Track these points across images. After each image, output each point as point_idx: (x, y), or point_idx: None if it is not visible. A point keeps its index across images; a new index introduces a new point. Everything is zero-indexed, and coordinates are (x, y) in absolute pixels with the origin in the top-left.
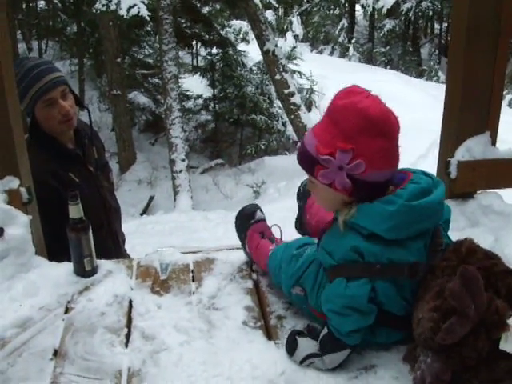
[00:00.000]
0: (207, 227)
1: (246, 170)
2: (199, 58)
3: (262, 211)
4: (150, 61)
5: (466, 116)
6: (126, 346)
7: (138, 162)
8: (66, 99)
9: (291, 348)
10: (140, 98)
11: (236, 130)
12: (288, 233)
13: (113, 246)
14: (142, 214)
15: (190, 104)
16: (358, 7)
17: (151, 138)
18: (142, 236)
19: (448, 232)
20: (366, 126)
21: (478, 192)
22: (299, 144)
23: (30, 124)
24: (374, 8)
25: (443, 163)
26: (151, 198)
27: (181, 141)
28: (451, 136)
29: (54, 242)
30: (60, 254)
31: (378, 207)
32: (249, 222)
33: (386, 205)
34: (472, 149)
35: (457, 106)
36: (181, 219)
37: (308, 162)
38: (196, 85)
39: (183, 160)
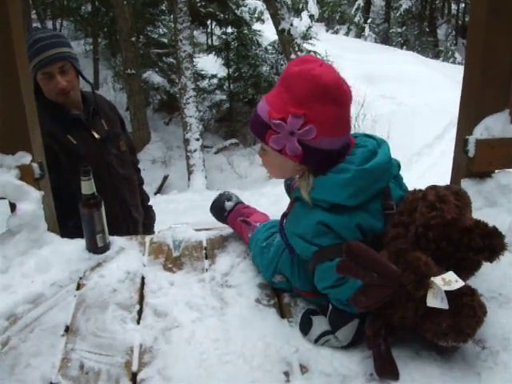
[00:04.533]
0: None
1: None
2: (214, 38)
3: (228, 198)
4: (165, 40)
5: (485, 94)
6: (138, 322)
7: (153, 142)
8: (66, 74)
9: (306, 327)
10: (154, 77)
11: (251, 109)
12: None
13: (120, 213)
14: (156, 194)
15: (204, 83)
16: None
17: (165, 118)
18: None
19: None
20: (318, 92)
21: (496, 171)
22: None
23: (34, 87)
24: None
25: (461, 141)
26: (165, 178)
27: (195, 120)
28: (469, 114)
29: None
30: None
31: (333, 178)
32: (223, 215)
33: (340, 174)
34: (491, 127)
35: (476, 83)
36: (195, 198)
37: (260, 127)
38: (211, 64)
39: (197, 139)
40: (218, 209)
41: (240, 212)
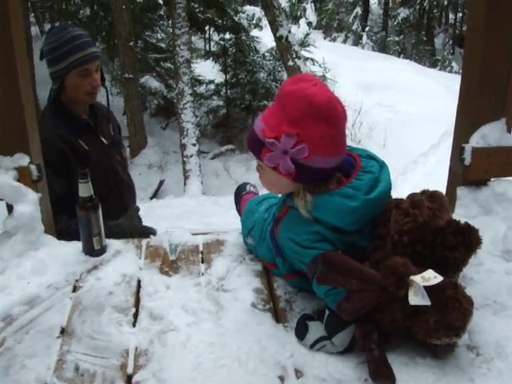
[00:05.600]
0: (217, 212)
1: None
2: (212, 43)
3: (252, 185)
4: (163, 45)
5: (481, 102)
6: (134, 325)
7: (149, 146)
8: (97, 74)
9: (302, 332)
10: (152, 82)
11: (247, 115)
12: None
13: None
14: (151, 198)
15: (201, 89)
16: None
17: (162, 123)
18: (152, 220)
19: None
20: (311, 111)
21: (491, 179)
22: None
23: (54, 89)
24: None
25: (457, 149)
26: (161, 183)
27: (192, 125)
28: (466, 122)
29: (59, 205)
30: (60, 213)
31: (340, 203)
32: (241, 194)
33: (347, 200)
34: (487, 135)
35: (473, 92)
36: (191, 204)
37: (256, 144)
38: (208, 70)
39: (194, 145)
40: (241, 187)
41: (253, 196)
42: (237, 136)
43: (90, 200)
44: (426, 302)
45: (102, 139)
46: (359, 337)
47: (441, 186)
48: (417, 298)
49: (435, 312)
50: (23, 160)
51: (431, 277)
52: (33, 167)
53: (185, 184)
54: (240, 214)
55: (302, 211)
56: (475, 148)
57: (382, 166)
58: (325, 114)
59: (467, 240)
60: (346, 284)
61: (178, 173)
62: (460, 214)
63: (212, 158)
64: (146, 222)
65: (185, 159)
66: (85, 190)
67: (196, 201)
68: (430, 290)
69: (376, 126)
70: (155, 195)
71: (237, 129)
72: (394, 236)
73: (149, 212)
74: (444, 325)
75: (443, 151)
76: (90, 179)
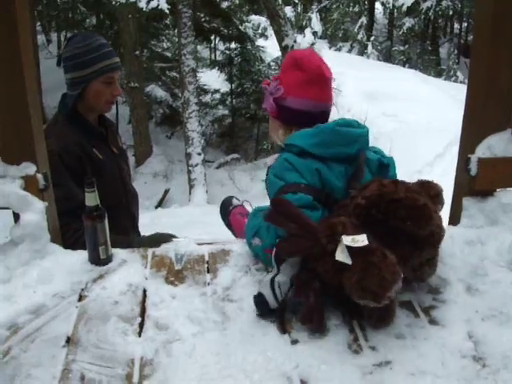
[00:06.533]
0: (220, 222)
1: (261, 165)
2: (217, 53)
3: (237, 199)
4: (168, 54)
5: (487, 113)
6: (139, 335)
7: (154, 155)
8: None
9: (260, 300)
10: (157, 91)
11: (252, 125)
12: None
13: (130, 228)
14: (156, 207)
15: (207, 98)
16: (377, 5)
17: (167, 132)
18: (157, 229)
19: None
20: (290, 63)
21: (498, 190)
22: None
23: (73, 96)
24: (394, 6)
25: (463, 160)
26: (166, 192)
27: (197, 135)
28: (472, 133)
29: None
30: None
31: (305, 130)
32: (228, 209)
33: (312, 128)
34: (493, 146)
35: (479, 102)
36: (196, 213)
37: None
38: (214, 79)
39: (199, 154)
40: (227, 203)
41: (241, 210)
42: (242, 145)
43: (96, 209)
44: (348, 261)
45: (113, 149)
46: (296, 282)
47: (446, 196)
48: (342, 255)
49: (358, 271)
50: (30, 169)
51: (360, 240)
52: (39, 176)
53: (190, 193)
54: (232, 230)
55: (277, 141)
56: (481, 159)
57: (363, 126)
58: (299, 63)
59: (414, 215)
60: (287, 227)
61: (183, 182)
62: (466, 225)
63: (217, 168)
64: (151, 231)
65: (190, 168)
66: (91, 199)
67: (201, 210)
68: (358, 252)
69: (381, 135)
70: (160, 204)
71: (242, 138)
72: (358, 198)
73: (154, 221)
74: (361, 286)
75: (448, 161)
76: (96, 188)
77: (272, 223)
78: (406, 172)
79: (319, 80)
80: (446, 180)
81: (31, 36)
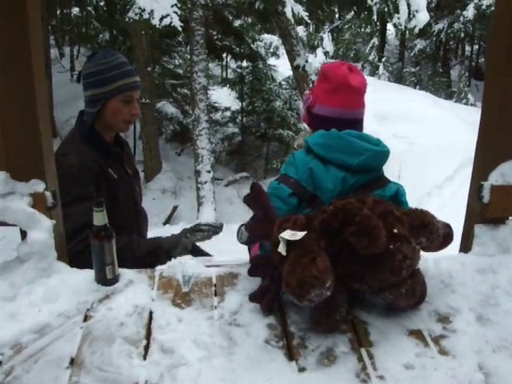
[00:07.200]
0: (231, 240)
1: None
2: (229, 71)
3: None
4: (180, 71)
5: (501, 139)
6: (145, 358)
7: (164, 172)
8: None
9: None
10: (168, 107)
11: (262, 143)
12: None
13: None
14: (164, 224)
15: (217, 116)
16: (389, 26)
17: (177, 148)
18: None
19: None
20: (320, 75)
21: (510, 218)
22: None
23: (91, 113)
24: (406, 27)
25: (476, 187)
26: (175, 208)
27: (207, 152)
28: (485, 159)
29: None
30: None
31: (321, 131)
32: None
33: (326, 131)
34: (506, 173)
35: (493, 128)
36: None
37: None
38: (224, 97)
39: (208, 171)
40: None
41: None
42: (251, 164)
43: (104, 229)
44: (284, 252)
45: (127, 169)
46: (253, 260)
47: (455, 219)
48: (281, 247)
49: (287, 266)
50: (38, 186)
51: (298, 235)
52: (48, 194)
53: (198, 210)
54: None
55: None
56: (494, 186)
57: (384, 146)
58: (325, 74)
59: (361, 233)
60: (255, 211)
61: (191, 199)
62: (477, 252)
63: (226, 185)
64: None
65: (199, 185)
66: (99, 218)
67: None
68: (295, 249)
69: (391, 157)
70: (168, 221)
71: (251, 156)
72: (331, 205)
73: None
74: (286, 281)
75: (458, 184)
76: (104, 208)
77: (246, 205)
78: (416, 194)
79: (344, 89)
80: (454, 203)
81: (43, 52)
